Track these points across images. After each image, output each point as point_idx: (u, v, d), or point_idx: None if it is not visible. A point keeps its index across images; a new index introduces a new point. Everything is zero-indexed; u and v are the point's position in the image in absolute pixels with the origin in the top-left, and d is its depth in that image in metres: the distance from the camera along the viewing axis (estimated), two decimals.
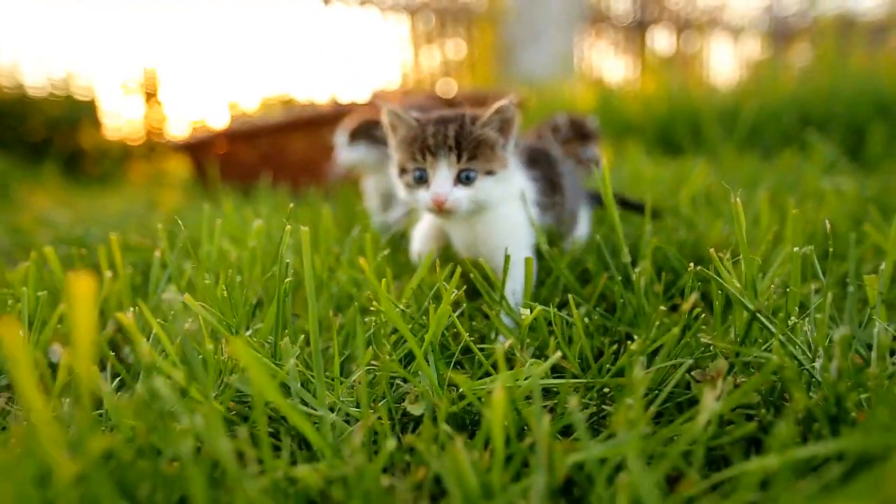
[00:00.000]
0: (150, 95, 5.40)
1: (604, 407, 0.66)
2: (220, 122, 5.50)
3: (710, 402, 0.50)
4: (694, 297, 0.62)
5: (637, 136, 3.24)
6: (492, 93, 2.80)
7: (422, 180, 0.96)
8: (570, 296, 0.79)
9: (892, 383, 0.59)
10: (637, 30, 7.32)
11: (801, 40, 7.30)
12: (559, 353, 0.62)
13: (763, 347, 0.68)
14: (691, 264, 0.75)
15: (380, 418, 0.60)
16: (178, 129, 5.40)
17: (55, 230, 1.90)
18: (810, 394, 0.61)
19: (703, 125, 3.01)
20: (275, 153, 3.03)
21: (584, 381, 0.68)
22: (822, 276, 0.78)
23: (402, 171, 0.99)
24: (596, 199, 1.36)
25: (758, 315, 0.64)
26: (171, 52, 5.60)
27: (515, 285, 0.94)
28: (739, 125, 2.78)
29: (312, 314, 0.65)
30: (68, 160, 4.93)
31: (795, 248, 0.74)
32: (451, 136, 0.94)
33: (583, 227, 1.28)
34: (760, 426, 0.59)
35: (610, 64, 7.28)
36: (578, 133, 1.54)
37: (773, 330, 0.64)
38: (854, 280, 0.76)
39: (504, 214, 1.01)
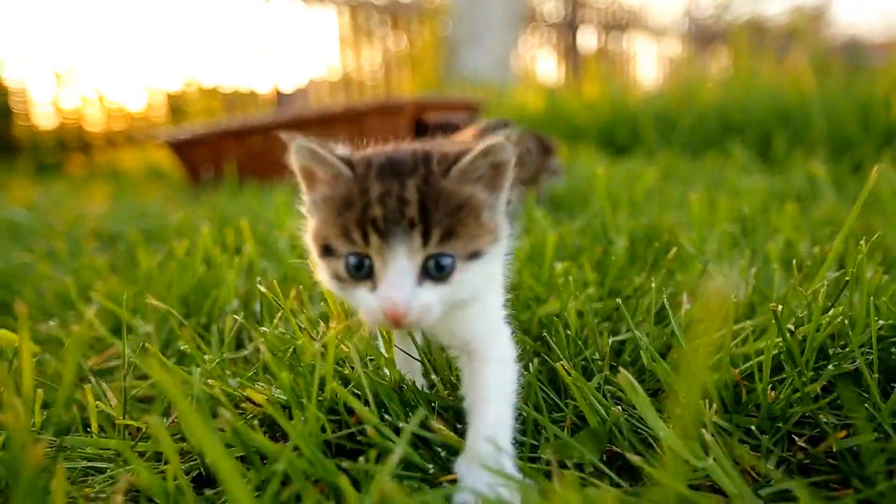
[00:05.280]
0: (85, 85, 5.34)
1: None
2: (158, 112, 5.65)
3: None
4: (674, 250, 1.02)
5: (583, 139, 3.71)
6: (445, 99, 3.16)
7: (361, 272, 0.58)
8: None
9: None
10: (567, 29, 7.84)
11: (717, 43, 8.11)
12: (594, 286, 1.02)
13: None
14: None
15: None
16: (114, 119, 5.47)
17: (105, 224, 2.15)
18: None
19: (641, 129, 3.51)
20: (263, 151, 3.29)
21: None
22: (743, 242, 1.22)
23: (326, 250, 0.61)
24: None
25: (707, 263, 1.05)
26: (105, 41, 5.60)
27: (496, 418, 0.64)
28: (677, 132, 3.30)
29: None
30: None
31: (727, 226, 1.17)
32: (411, 199, 0.57)
33: None
34: None
35: (543, 63, 7.80)
36: (544, 149, 1.91)
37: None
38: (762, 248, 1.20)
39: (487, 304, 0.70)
